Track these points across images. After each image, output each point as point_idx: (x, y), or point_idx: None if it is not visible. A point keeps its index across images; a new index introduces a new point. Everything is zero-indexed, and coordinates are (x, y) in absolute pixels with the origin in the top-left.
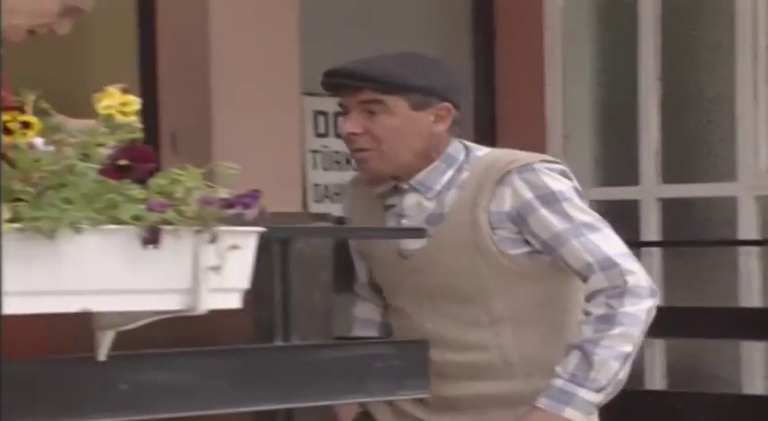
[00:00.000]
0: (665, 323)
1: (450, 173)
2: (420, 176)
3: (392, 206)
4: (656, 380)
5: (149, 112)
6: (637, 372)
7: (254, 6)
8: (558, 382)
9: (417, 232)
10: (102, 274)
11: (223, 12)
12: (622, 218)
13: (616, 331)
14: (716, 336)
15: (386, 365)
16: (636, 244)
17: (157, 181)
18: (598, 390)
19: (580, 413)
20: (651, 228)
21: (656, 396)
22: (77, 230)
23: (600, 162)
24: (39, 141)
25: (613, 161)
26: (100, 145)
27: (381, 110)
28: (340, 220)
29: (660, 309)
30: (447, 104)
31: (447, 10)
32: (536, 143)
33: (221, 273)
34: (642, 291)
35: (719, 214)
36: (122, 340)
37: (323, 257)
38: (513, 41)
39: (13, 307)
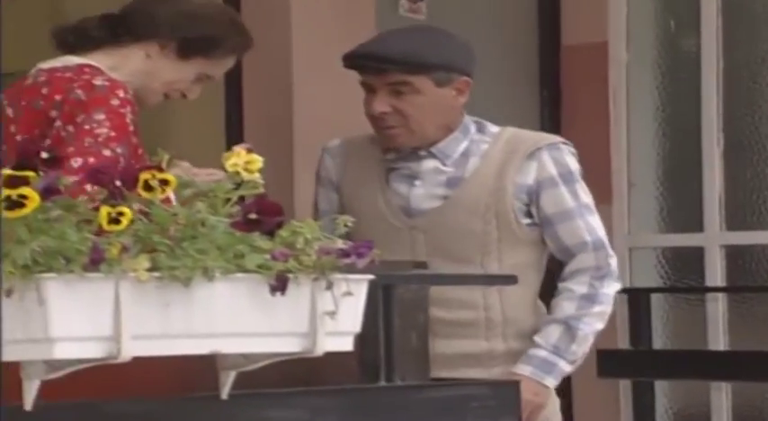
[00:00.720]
0: (730, 367)
1: (465, 142)
2: (441, 145)
3: (396, 168)
4: None
5: None
6: (703, 416)
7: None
8: (542, 353)
9: (507, 279)
10: (230, 319)
11: (306, 70)
12: (687, 264)
13: (596, 309)
14: None
15: (481, 405)
16: (700, 289)
17: (282, 233)
18: (572, 362)
19: (556, 382)
20: (715, 274)
21: None
22: (210, 278)
23: (665, 210)
24: (172, 196)
25: (678, 209)
26: (227, 199)
27: (408, 90)
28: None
29: (725, 354)
30: (466, 78)
31: (514, 65)
32: (602, 191)
33: (336, 318)
34: (616, 274)
35: None
36: (240, 379)
37: (420, 301)
38: (579, 94)
39: (152, 349)
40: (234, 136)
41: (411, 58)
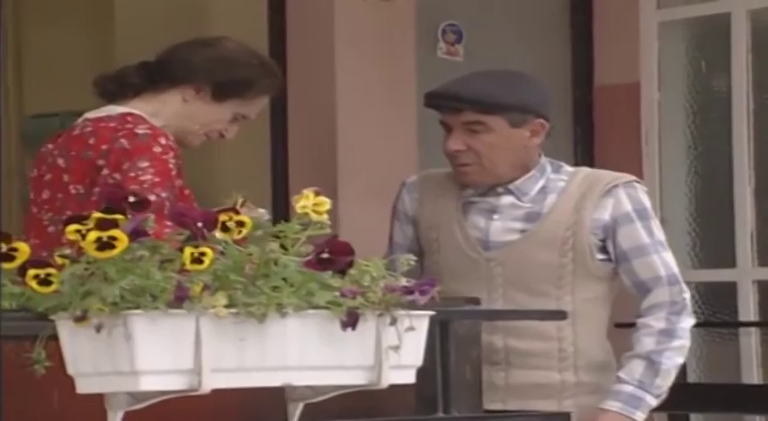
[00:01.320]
0: (764, 400)
1: (542, 181)
2: (518, 183)
3: (474, 203)
4: None
5: (279, 201)
6: None
7: (379, 107)
8: (628, 388)
9: (558, 315)
10: (300, 352)
11: (350, 113)
12: (720, 299)
13: (676, 344)
14: None
15: None
16: (734, 324)
17: (350, 271)
18: (658, 396)
19: (644, 416)
20: (748, 308)
21: None
22: (283, 314)
23: (698, 245)
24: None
25: (710, 245)
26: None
27: (482, 129)
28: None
29: (759, 387)
30: (541, 120)
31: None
32: None
33: (399, 352)
34: (690, 309)
35: None
36: (304, 412)
37: (473, 336)
38: (612, 132)
39: (229, 381)
40: (279, 177)
41: (485, 98)
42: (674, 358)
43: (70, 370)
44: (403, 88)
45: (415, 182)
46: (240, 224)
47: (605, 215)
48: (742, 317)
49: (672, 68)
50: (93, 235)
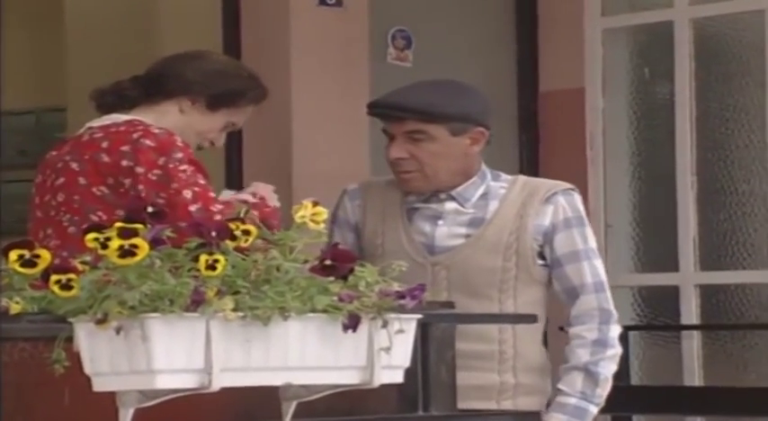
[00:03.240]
0: (705, 402)
1: (483, 187)
2: (460, 189)
3: (418, 209)
4: None
5: None
6: None
7: (333, 108)
8: (572, 400)
9: (529, 318)
10: (300, 353)
11: (306, 120)
12: (663, 302)
13: (610, 353)
14: (751, 414)
15: None
16: (676, 327)
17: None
18: (598, 405)
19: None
20: (690, 312)
21: None
22: (285, 317)
23: (641, 250)
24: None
25: (654, 249)
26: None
27: (424, 137)
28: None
29: (700, 389)
30: (481, 129)
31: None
32: None
33: (390, 353)
34: (617, 317)
35: (754, 299)
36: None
37: (449, 338)
38: (557, 138)
39: (236, 380)
40: (233, 184)
41: (427, 108)
42: (609, 367)
43: (87, 369)
44: (357, 95)
45: (357, 189)
46: (246, 233)
47: (545, 221)
48: (684, 321)
49: (616, 75)
50: (116, 242)
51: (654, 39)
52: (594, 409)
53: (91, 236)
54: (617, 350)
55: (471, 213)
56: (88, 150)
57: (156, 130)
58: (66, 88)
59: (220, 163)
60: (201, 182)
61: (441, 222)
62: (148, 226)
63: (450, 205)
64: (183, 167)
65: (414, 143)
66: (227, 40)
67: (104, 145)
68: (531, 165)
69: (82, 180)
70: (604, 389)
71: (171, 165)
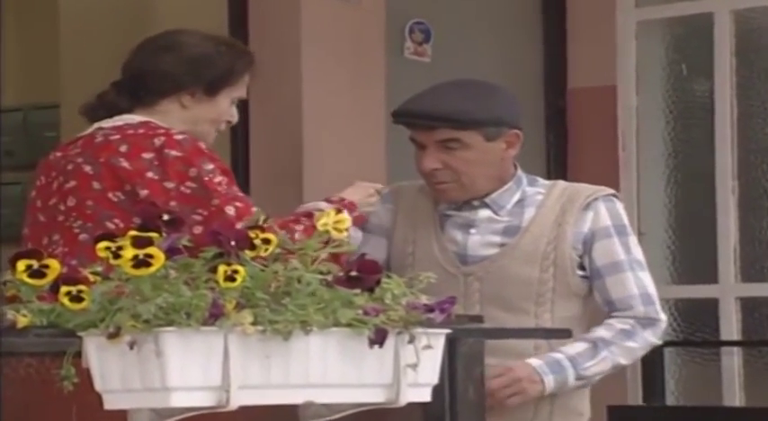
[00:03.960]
0: None
1: (518, 194)
2: (494, 196)
3: (450, 216)
4: None
5: None
6: None
7: (346, 106)
8: (558, 356)
9: (563, 332)
10: (323, 370)
11: (317, 118)
12: (701, 317)
13: (628, 344)
14: None
15: None
16: (715, 343)
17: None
18: (579, 378)
19: (553, 387)
20: (731, 327)
21: None
22: (307, 332)
23: (677, 260)
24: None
25: (691, 259)
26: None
27: (458, 146)
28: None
29: (741, 410)
30: (516, 131)
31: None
32: None
33: (417, 370)
34: (662, 331)
35: None
36: None
37: (477, 354)
38: (587, 138)
39: (255, 398)
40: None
41: (460, 115)
42: (618, 355)
43: (98, 386)
44: (372, 92)
45: (388, 193)
46: (266, 241)
47: (584, 228)
48: (724, 336)
49: (650, 71)
50: (129, 252)
51: (692, 32)
52: (571, 377)
53: (102, 244)
54: (638, 349)
55: (506, 221)
56: (104, 153)
57: (179, 136)
58: (60, 85)
59: (225, 160)
60: (240, 195)
61: (473, 230)
62: (164, 234)
63: (484, 213)
64: (218, 179)
65: (447, 152)
66: (232, 35)
67: (123, 149)
68: (558, 166)
69: (96, 184)
70: (596, 368)
71: (206, 178)
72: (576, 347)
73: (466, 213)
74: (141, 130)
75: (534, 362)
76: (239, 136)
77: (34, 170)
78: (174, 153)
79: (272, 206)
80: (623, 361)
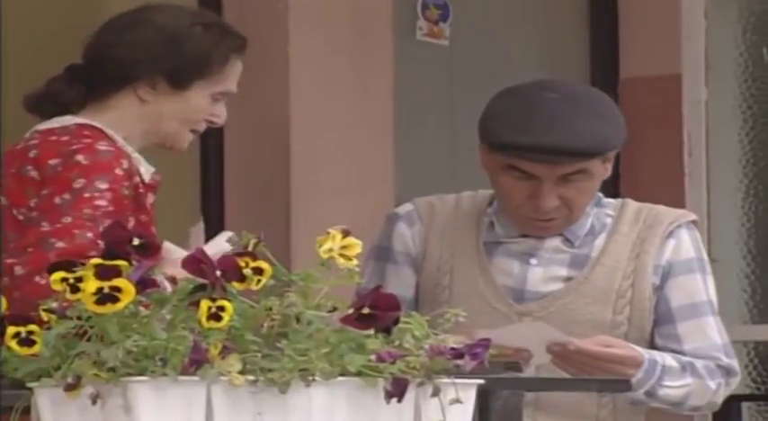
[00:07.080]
0: None
1: (591, 218)
2: (573, 226)
3: (501, 242)
4: None
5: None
6: None
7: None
8: (659, 359)
9: (622, 384)
10: None
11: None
12: None
13: (709, 383)
14: None
15: None
16: None
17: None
18: (649, 394)
19: (633, 380)
20: None
21: None
22: (308, 383)
23: (757, 294)
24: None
25: None
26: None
27: (583, 177)
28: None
29: None
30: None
31: None
32: None
33: None
34: (736, 378)
35: None
36: None
37: (513, 411)
38: (643, 140)
39: None
40: (211, 207)
41: (606, 145)
42: (695, 390)
43: None
44: (377, 83)
45: (413, 212)
46: (258, 271)
47: (662, 258)
48: None
49: (723, 58)
50: (92, 284)
51: None
52: (647, 388)
53: (57, 275)
54: (716, 391)
55: (574, 250)
56: (15, 162)
57: (104, 147)
58: None
59: (194, 170)
60: (99, 231)
61: (534, 261)
62: (133, 263)
63: (552, 242)
64: (98, 203)
65: (566, 184)
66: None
67: (32, 154)
68: (609, 177)
69: (3, 200)
70: (672, 393)
71: (86, 194)
72: (666, 359)
73: (530, 240)
74: (65, 137)
75: (644, 351)
76: (211, 138)
77: None
78: (80, 159)
79: (252, 225)
80: (695, 400)
